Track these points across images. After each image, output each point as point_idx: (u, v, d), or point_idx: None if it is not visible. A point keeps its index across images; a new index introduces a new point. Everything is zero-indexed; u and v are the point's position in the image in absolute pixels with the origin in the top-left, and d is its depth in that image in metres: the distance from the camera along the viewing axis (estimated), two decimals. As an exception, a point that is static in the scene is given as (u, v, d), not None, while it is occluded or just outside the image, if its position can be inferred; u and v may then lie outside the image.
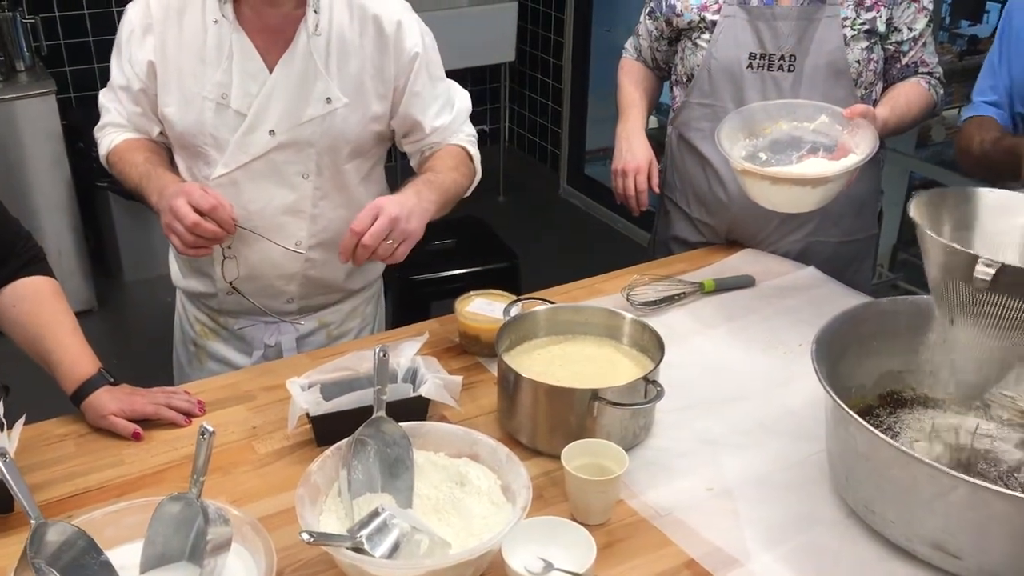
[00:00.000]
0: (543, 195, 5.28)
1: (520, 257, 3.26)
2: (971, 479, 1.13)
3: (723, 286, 1.97)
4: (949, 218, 1.43)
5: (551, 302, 1.71)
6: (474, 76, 5.06)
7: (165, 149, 1.79)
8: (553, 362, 1.58)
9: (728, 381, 1.68)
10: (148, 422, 1.52)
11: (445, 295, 2.82)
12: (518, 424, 1.49)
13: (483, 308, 1.74)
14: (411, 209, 1.57)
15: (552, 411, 1.44)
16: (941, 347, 1.43)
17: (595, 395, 1.40)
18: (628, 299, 1.87)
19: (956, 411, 1.53)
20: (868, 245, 2.22)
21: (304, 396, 1.46)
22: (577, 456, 1.34)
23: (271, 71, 1.66)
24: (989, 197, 1.44)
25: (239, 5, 1.65)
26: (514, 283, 3.12)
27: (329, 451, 1.31)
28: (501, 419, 1.54)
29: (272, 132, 1.68)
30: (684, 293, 1.93)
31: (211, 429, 1.18)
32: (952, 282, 1.27)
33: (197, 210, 1.53)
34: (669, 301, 1.90)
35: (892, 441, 1.21)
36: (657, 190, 2.09)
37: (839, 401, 1.27)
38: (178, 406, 1.56)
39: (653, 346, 1.54)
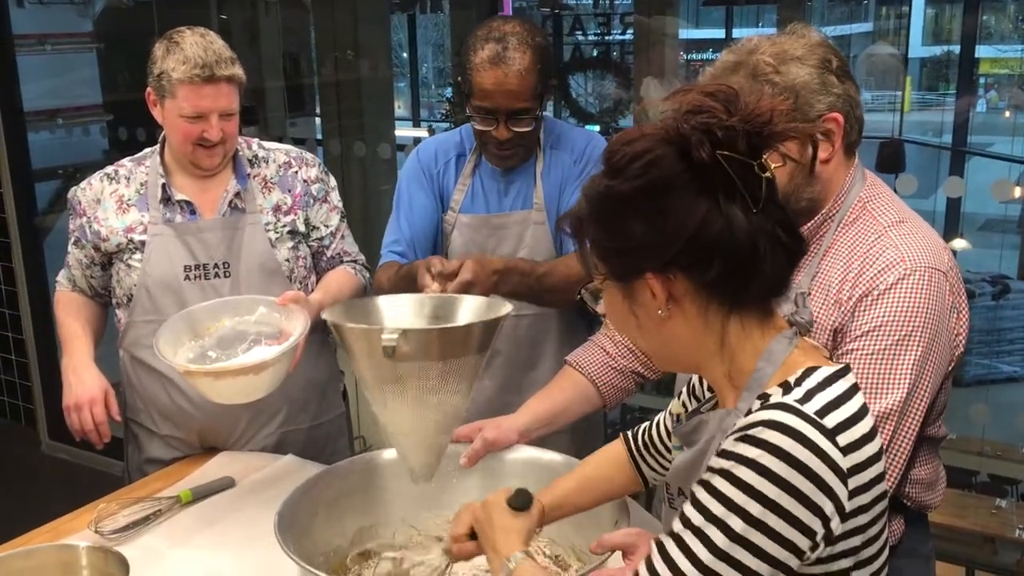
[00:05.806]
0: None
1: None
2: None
3: (201, 494, 1.94)
4: (362, 322, 1.57)
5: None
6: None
7: None
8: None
9: (213, 587, 1.65)
10: None
11: None
12: None
13: None
14: None
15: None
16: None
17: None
18: (97, 530, 1.76)
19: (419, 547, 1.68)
20: (339, 423, 2.36)
21: None
22: None
23: None
24: (383, 302, 1.65)
25: None
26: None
27: None
28: None
29: None
30: (160, 510, 1.86)
31: None
32: (374, 362, 1.40)
33: None
34: (144, 523, 1.82)
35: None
36: (118, 418, 2.03)
37: (298, 561, 1.32)
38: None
39: (119, 570, 1.46)
